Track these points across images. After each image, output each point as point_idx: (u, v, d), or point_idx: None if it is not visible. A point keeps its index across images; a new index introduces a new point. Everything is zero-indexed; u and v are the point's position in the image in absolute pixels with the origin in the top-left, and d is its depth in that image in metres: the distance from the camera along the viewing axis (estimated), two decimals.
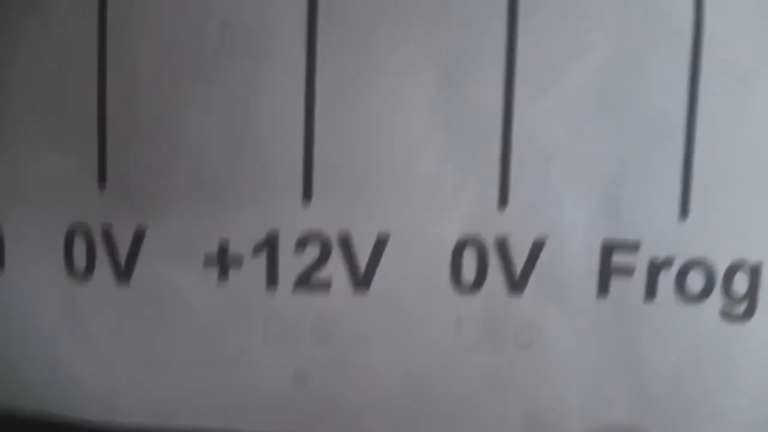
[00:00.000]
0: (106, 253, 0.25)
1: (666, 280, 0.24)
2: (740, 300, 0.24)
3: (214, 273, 0.25)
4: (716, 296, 0.24)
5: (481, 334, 0.25)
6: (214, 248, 0.24)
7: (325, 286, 0.25)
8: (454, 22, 0.24)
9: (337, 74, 0.24)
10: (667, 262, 0.24)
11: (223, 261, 0.24)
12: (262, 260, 0.24)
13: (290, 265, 0.24)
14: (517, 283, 0.24)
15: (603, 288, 0.24)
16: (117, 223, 0.25)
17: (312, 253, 0.24)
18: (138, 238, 0.25)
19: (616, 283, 0.24)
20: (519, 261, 0.24)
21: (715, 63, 0.23)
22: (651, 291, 0.24)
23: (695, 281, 0.24)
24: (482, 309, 0.25)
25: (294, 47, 0.24)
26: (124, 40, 0.24)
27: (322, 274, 0.25)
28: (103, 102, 0.24)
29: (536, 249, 0.24)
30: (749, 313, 0.24)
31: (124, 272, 0.25)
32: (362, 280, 0.24)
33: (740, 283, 0.24)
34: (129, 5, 0.24)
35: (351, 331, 0.25)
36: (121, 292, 0.25)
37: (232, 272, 0.25)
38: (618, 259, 0.24)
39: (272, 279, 0.24)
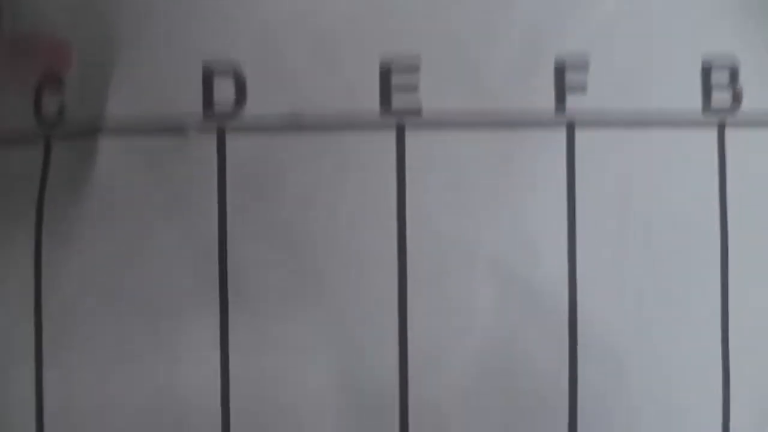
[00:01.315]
0: None
1: None
2: None
3: None
4: None
5: None
6: None
7: None
8: (349, 305, 0.26)
9: (249, 363, 0.26)
10: None
11: None
12: None
13: None
14: None
15: None
16: None
17: None
18: None
19: None
20: None
21: (591, 338, 0.26)
22: None
23: None
24: None
25: (208, 342, 0.26)
26: (60, 336, 0.27)
27: None
28: (40, 394, 0.27)
29: None
30: None
31: None
32: None
33: None
34: (64, 308, 0.27)
35: None
36: None
37: None
38: None
39: None
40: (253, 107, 0.26)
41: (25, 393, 0.27)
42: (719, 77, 0.27)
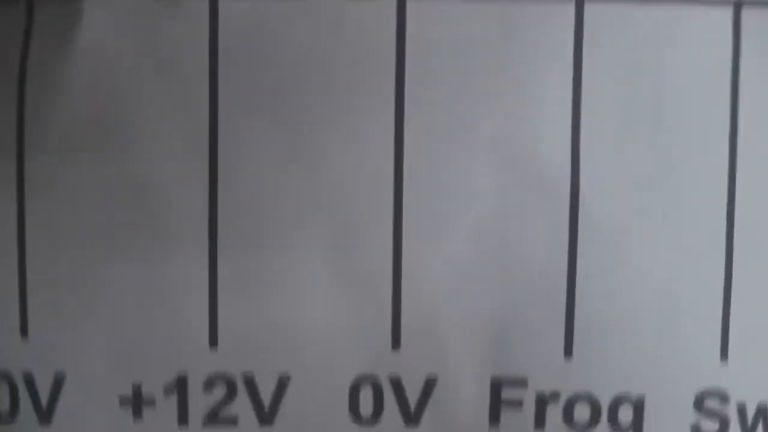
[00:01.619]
0: (29, 396, 0.26)
1: (554, 412, 0.26)
2: (626, 429, 0.26)
3: (129, 412, 0.26)
4: (603, 426, 0.26)
5: None
6: (128, 390, 0.26)
7: (233, 422, 0.26)
8: (343, 175, 0.25)
9: (238, 234, 0.26)
10: (554, 396, 0.26)
11: (137, 402, 0.26)
12: (173, 400, 0.26)
13: (199, 403, 0.26)
14: (412, 417, 0.26)
15: (494, 419, 0.26)
16: (38, 370, 0.26)
17: (219, 392, 0.26)
18: (58, 383, 0.26)
19: (506, 415, 0.26)
20: (413, 397, 0.26)
21: (592, 219, 0.25)
22: (540, 422, 0.26)
23: (582, 413, 0.26)
24: None
25: (197, 212, 0.26)
26: (42, 203, 0.26)
27: (229, 411, 0.26)
28: (23, 259, 0.26)
29: (429, 386, 0.26)
30: None
31: (46, 413, 0.26)
32: (267, 416, 0.26)
33: (625, 414, 0.26)
34: (47, 170, 0.26)
35: None
36: None
37: (145, 411, 0.26)
38: (507, 393, 0.26)
39: (183, 417, 0.26)
40: None
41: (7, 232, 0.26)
42: None
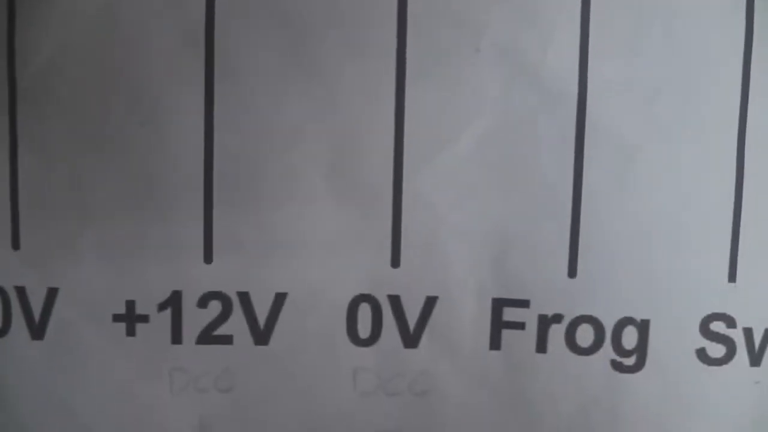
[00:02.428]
0: (21, 310, 0.26)
1: (556, 334, 0.26)
2: (630, 353, 0.26)
3: (122, 328, 0.26)
4: (606, 349, 0.26)
5: (377, 384, 0.26)
6: (122, 306, 0.26)
7: (227, 340, 0.26)
8: (345, 90, 0.25)
9: (235, 142, 0.25)
10: (557, 318, 0.25)
11: (130, 319, 0.26)
12: (167, 317, 0.26)
13: (193, 322, 0.26)
14: (411, 337, 0.26)
15: (495, 341, 0.26)
16: (30, 284, 0.26)
17: (214, 310, 0.26)
18: (51, 298, 0.26)
19: (507, 337, 0.26)
20: (412, 317, 0.26)
21: (600, 133, 0.25)
22: (542, 345, 0.26)
23: (585, 336, 0.26)
24: (378, 361, 0.26)
25: (193, 118, 0.25)
26: (35, 111, 0.25)
27: (224, 329, 0.26)
28: (15, 170, 0.25)
29: (428, 306, 0.25)
30: (639, 365, 0.26)
31: (38, 328, 0.26)
32: (262, 335, 0.26)
33: (629, 338, 0.25)
34: (39, 79, 0.25)
35: (252, 383, 0.26)
36: (35, 346, 0.26)
37: (138, 327, 0.26)
38: (508, 315, 0.26)
39: (177, 334, 0.26)
40: None
41: None
42: None
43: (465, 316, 0.26)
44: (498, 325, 0.26)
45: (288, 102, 0.25)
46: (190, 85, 0.25)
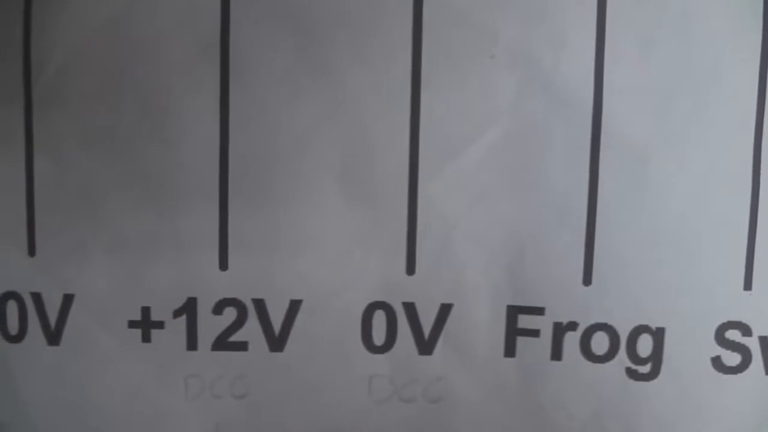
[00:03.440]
0: (37, 316, 0.26)
1: (571, 342, 0.25)
2: (645, 361, 0.25)
3: (137, 335, 0.26)
4: (621, 357, 0.26)
5: (392, 390, 0.26)
6: (137, 312, 0.26)
7: (242, 347, 0.26)
8: (360, 95, 0.25)
9: (249, 148, 0.25)
10: (572, 326, 0.25)
11: (145, 325, 0.26)
12: (182, 323, 0.26)
13: (208, 328, 0.26)
14: (426, 344, 0.26)
15: (510, 348, 0.26)
16: (46, 290, 0.26)
17: (229, 316, 0.26)
18: (66, 304, 0.26)
19: (522, 345, 0.26)
20: (427, 324, 0.26)
21: (615, 139, 0.25)
22: (557, 352, 0.26)
23: (600, 343, 0.25)
24: (392, 368, 0.26)
25: (208, 123, 0.25)
26: (50, 118, 0.25)
27: (239, 336, 0.26)
28: (31, 178, 0.25)
29: (443, 313, 0.25)
30: (654, 373, 0.26)
31: (54, 334, 0.26)
32: (277, 342, 0.26)
33: (644, 346, 0.25)
34: (54, 87, 0.25)
35: (267, 389, 0.26)
36: (51, 352, 0.26)
37: (154, 334, 0.26)
38: (523, 322, 0.25)
39: (192, 340, 0.26)
40: None
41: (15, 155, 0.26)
42: None
43: (480, 324, 0.26)
44: (513, 332, 0.26)
45: (302, 107, 0.25)
46: (205, 91, 0.25)
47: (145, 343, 0.26)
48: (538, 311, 0.25)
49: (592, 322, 0.25)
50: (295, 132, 0.25)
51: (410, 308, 0.25)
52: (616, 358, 0.25)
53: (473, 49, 0.24)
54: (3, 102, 0.25)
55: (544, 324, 0.25)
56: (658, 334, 0.25)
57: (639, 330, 0.25)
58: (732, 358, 0.25)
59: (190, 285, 0.25)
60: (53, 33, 0.25)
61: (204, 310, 0.26)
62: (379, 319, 0.26)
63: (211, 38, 0.25)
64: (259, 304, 0.26)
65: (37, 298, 0.26)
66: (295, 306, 0.25)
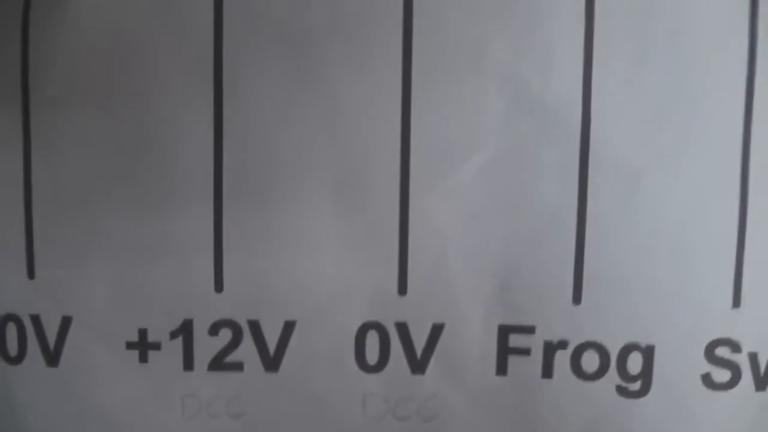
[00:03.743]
0: (36, 338, 0.26)
1: (562, 360, 0.26)
2: (635, 378, 0.26)
3: (135, 355, 0.26)
4: (612, 375, 0.26)
5: (386, 408, 0.26)
6: (134, 334, 0.26)
7: (238, 367, 0.26)
8: (350, 117, 0.25)
9: (242, 173, 0.25)
10: (562, 344, 0.26)
11: (143, 346, 0.26)
12: (179, 344, 0.26)
13: (204, 349, 0.26)
14: (418, 364, 0.26)
15: (501, 367, 0.26)
16: (45, 312, 0.26)
17: (224, 337, 0.26)
18: (65, 326, 0.26)
19: (513, 363, 0.26)
20: (419, 344, 0.26)
21: (603, 159, 0.25)
22: (548, 370, 0.26)
23: (590, 361, 0.26)
24: (386, 387, 0.26)
25: (201, 151, 0.25)
26: (48, 140, 0.26)
27: (235, 356, 0.26)
28: (29, 201, 0.26)
29: (435, 333, 0.26)
30: (644, 390, 0.26)
31: (53, 355, 0.26)
32: (272, 362, 0.26)
33: (634, 363, 0.26)
34: (52, 107, 0.26)
35: (263, 408, 0.26)
36: (50, 373, 0.26)
37: (151, 354, 0.26)
38: (514, 341, 0.26)
39: (188, 360, 0.26)
40: None
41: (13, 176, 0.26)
42: None
43: (471, 343, 0.26)
44: (504, 351, 0.26)
45: (295, 133, 0.25)
46: (199, 124, 0.25)
47: (142, 363, 0.26)
48: (529, 330, 0.26)
49: (583, 340, 0.26)
50: (288, 149, 0.25)
51: (402, 328, 0.26)
52: (607, 375, 0.26)
53: (463, 70, 0.25)
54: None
55: (535, 343, 0.26)
56: (648, 352, 0.26)
57: (629, 348, 0.26)
58: (722, 375, 0.26)
59: (186, 306, 0.26)
60: (50, 54, 0.25)
61: (200, 331, 0.26)
62: (372, 339, 0.26)
63: (204, 51, 0.25)
64: (254, 325, 0.26)
65: (36, 320, 0.26)
66: (289, 327, 0.26)
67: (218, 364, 0.26)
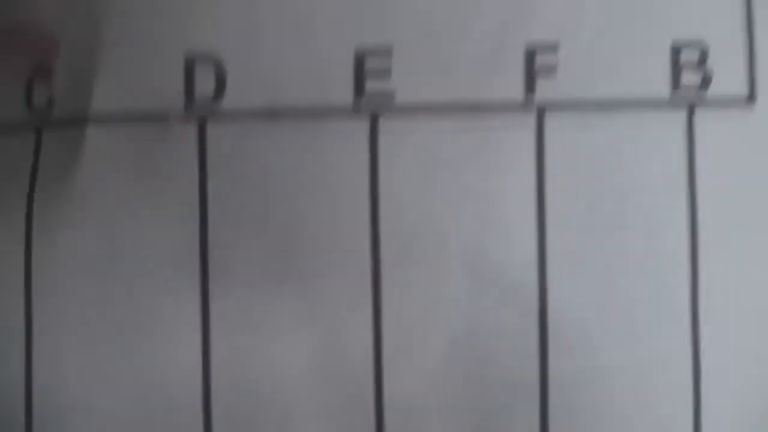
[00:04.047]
0: None
1: None
2: None
3: None
4: None
5: None
6: None
7: None
8: (324, 292, 0.27)
9: (227, 340, 0.27)
10: None
11: None
12: None
13: None
14: None
15: None
16: None
17: None
18: None
19: None
20: None
21: (561, 325, 0.26)
22: None
23: None
24: None
25: (187, 323, 0.27)
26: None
27: None
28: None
29: None
30: None
31: None
32: None
33: None
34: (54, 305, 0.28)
35: None
36: None
37: None
38: None
39: None
40: (232, 98, 0.27)
41: (14, 372, 0.28)
42: (688, 59, 0.27)
43: None
44: None
45: (276, 305, 0.27)
46: (187, 297, 0.27)
47: None
48: None
49: None
50: (272, 332, 0.27)
51: None
52: None
53: (426, 249, 0.27)
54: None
55: None
56: None
57: None
58: None
59: None
60: (51, 252, 0.28)
61: None
62: None
63: (190, 248, 0.27)
64: None
65: None
66: None
67: None
